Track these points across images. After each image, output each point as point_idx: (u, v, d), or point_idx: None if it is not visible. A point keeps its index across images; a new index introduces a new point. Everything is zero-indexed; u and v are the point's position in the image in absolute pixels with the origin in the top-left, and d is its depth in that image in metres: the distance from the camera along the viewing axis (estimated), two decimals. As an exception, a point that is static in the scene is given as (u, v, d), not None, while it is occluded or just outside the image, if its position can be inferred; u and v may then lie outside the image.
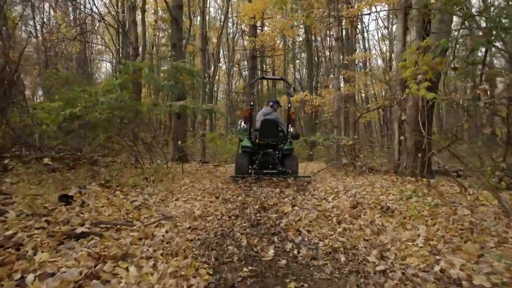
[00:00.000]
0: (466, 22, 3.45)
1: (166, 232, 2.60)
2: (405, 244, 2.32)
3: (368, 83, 16.50)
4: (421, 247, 2.23)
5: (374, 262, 2.06)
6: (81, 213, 2.78)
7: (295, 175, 4.87)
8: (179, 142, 6.31)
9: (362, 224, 2.86)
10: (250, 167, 5.05)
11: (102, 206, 3.13)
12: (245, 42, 19.98)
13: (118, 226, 2.54)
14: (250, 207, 3.59)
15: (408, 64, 3.54)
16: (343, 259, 2.15)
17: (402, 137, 4.65)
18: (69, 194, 3.14)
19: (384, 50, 21.10)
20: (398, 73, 4.75)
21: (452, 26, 4.66)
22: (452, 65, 3.41)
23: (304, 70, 23.21)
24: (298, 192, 4.29)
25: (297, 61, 22.28)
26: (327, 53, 20.43)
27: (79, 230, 2.13)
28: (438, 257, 2.02)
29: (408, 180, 4.30)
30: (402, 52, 4.86)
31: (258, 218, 3.18)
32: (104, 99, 4.61)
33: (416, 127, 4.44)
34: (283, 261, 2.09)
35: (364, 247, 2.34)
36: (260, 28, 15.53)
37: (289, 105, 5.36)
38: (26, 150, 6.88)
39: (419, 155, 4.46)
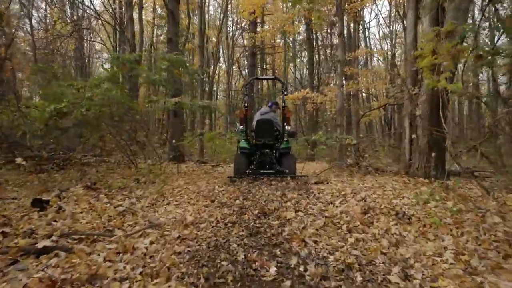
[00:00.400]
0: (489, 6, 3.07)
1: (151, 243, 2.24)
2: (431, 259, 1.96)
3: (369, 81, 16.16)
4: (451, 263, 1.87)
5: (398, 284, 1.70)
6: (54, 221, 2.42)
7: (293, 174, 4.82)
8: (173, 141, 5.95)
9: (376, 233, 2.50)
10: (249, 167, 5.03)
11: (81, 212, 2.77)
12: (245, 41, 19.62)
13: (95, 236, 2.18)
14: (249, 212, 3.23)
15: (425, 53, 3.18)
16: (359, 278, 1.79)
17: (413, 135, 4.28)
18: (44, 198, 2.78)
19: (386, 48, 20.80)
20: (410, 65, 4.39)
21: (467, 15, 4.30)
22: (473, 53, 3.03)
23: (304, 70, 22.88)
24: (302, 195, 3.92)
25: (298, 60, 21.91)
26: (328, 52, 20.12)
27: (43, 244, 1.77)
28: (478, 279, 1.66)
29: (421, 182, 3.93)
30: (413, 43, 4.50)
31: (258, 225, 2.81)
32: (91, 94, 4.24)
33: (430, 124, 4.08)
34: (288, 283, 1.73)
35: (383, 263, 1.98)
36: (260, 23, 15.16)
37: (284, 103, 5.33)
38: (16, 150, 6.55)
39: (433, 154, 4.10)
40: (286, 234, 2.56)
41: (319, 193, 3.99)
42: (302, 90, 12.33)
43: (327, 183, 4.74)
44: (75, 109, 4.59)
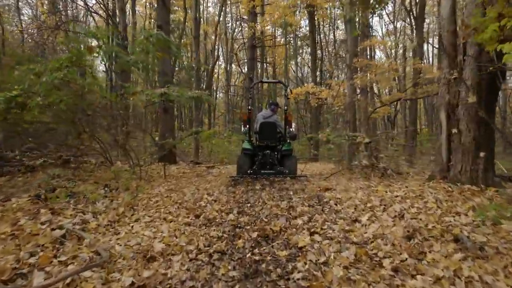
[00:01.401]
0: None
1: (80, 301, 1.35)
2: None
3: (373, 77, 15.26)
4: None
5: None
6: None
7: (293, 174, 4.98)
8: (157, 139, 5.05)
9: (439, 276, 1.62)
10: (251, 167, 5.05)
11: (-6, 240, 1.87)
12: (245, 38, 18.69)
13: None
14: (245, 234, 2.33)
15: (490, 19, 2.30)
16: None
17: (454, 130, 3.39)
18: None
19: (389, 45, 19.99)
20: (449, 43, 3.49)
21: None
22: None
23: (306, 68, 22.03)
24: (314, 207, 3.03)
25: (299, 58, 21.02)
26: (330, 49, 19.29)
27: None
28: None
29: (469, 190, 3.04)
30: (451, 17, 3.61)
31: (257, 258, 1.92)
32: (48, 79, 3.36)
33: (479, 116, 3.20)
34: None
35: None
36: (260, 14, 14.23)
37: (286, 107, 5.58)
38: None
39: (481, 154, 3.21)
40: (300, 277, 1.67)
41: (336, 204, 3.09)
42: (305, 84, 11.43)
43: (341, 191, 3.85)
44: (32, 98, 3.71)
